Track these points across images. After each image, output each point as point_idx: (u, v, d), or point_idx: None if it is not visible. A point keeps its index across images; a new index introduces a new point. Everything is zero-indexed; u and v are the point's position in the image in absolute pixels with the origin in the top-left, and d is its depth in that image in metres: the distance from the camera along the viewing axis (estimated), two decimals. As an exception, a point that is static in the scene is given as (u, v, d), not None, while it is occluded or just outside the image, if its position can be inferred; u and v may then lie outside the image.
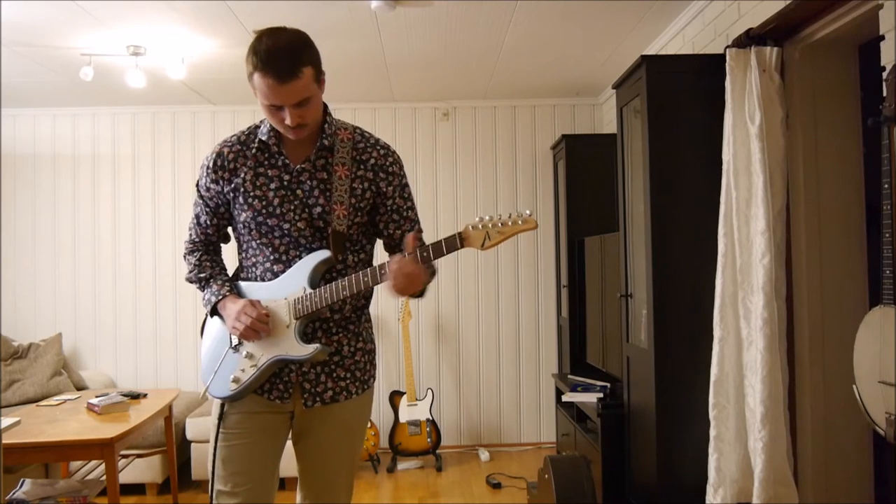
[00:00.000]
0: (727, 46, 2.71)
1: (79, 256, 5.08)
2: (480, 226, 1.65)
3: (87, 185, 5.10)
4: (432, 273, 1.82)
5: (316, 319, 1.84)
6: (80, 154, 5.11)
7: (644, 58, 2.95)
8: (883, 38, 2.11)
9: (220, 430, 1.84)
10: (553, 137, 5.14)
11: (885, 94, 1.90)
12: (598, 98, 5.18)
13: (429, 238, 1.75)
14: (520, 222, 1.64)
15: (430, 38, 3.81)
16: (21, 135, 5.09)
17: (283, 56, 1.65)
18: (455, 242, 1.65)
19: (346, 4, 3.28)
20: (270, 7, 3.26)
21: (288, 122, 1.71)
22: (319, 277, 1.81)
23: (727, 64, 2.67)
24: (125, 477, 4.02)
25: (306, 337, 1.82)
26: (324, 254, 1.81)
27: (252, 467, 1.83)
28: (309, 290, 1.78)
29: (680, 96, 2.92)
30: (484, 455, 4.88)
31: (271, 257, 1.86)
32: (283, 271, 1.84)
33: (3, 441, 2.64)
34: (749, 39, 2.63)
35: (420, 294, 1.84)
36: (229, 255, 2.04)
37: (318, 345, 1.79)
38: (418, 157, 5.16)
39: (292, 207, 1.82)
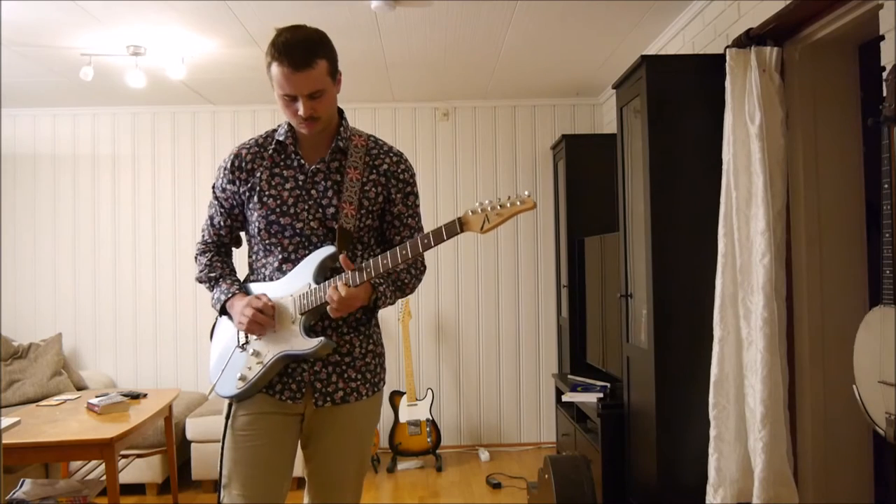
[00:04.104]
0: (727, 46, 2.71)
1: (79, 256, 5.08)
2: (479, 209, 1.67)
3: (87, 185, 5.10)
4: (377, 298, 1.83)
5: (326, 317, 1.84)
6: (80, 154, 5.11)
7: (644, 58, 2.95)
8: (883, 38, 2.11)
9: (229, 431, 1.84)
10: (553, 137, 5.14)
11: (885, 94, 1.90)
12: (598, 98, 5.18)
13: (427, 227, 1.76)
14: (518, 203, 1.65)
15: (430, 38, 3.81)
16: (21, 135, 5.09)
17: (300, 47, 1.72)
18: (455, 227, 1.67)
19: (346, 4, 3.28)
20: (270, 7, 3.26)
21: (301, 112, 1.76)
22: (326, 273, 1.81)
23: (727, 64, 2.67)
24: (125, 477, 4.02)
25: (314, 333, 1.82)
26: (329, 249, 1.82)
27: (261, 470, 1.82)
28: (314, 286, 1.79)
29: (680, 96, 2.91)
30: (484, 455, 4.88)
31: (280, 256, 1.87)
32: (292, 270, 1.86)
33: (3, 441, 2.64)
34: (749, 39, 2.63)
35: (374, 308, 1.86)
36: (239, 261, 2.04)
37: (322, 338, 1.78)
38: (418, 157, 5.16)
39: (306, 207, 1.85)
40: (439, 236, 1.68)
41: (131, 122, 5.13)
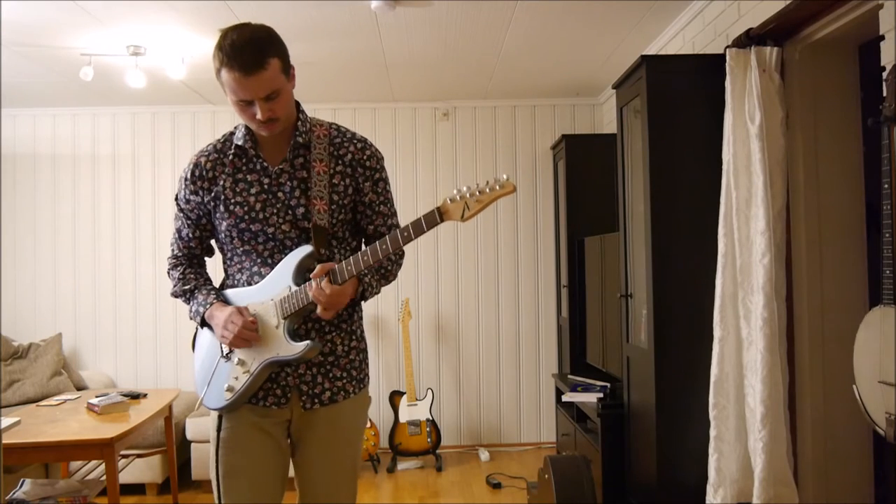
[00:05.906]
0: (727, 46, 2.71)
1: (79, 256, 5.08)
2: (458, 197, 1.60)
3: (87, 185, 5.10)
4: (364, 289, 1.79)
5: (308, 319, 1.80)
6: (80, 154, 5.11)
7: (644, 58, 2.95)
8: (883, 38, 2.11)
9: (221, 446, 1.81)
10: (553, 137, 5.14)
11: (885, 94, 1.90)
12: (598, 98, 5.18)
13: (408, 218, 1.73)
14: (497, 188, 1.58)
15: (430, 38, 3.81)
16: (21, 135, 5.09)
17: (248, 48, 1.64)
18: (434, 217, 1.60)
19: (346, 4, 3.28)
20: (270, 7, 3.26)
21: (259, 116, 1.69)
22: (305, 274, 1.75)
23: (727, 64, 2.67)
24: (125, 477, 4.02)
25: (298, 337, 1.77)
26: (306, 249, 1.77)
27: (256, 486, 1.80)
28: (294, 288, 1.74)
29: (680, 96, 2.92)
30: (484, 455, 4.88)
31: (258, 261, 1.82)
32: (270, 273, 1.80)
33: (3, 441, 2.64)
34: (749, 39, 2.63)
35: (361, 299, 1.82)
36: (214, 268, 1.99)
37: (308, 342, 1.74)
38: (418, 157, 5.16)
39: (275, 211, 1.80)
40: (419, 228, 1.61)
41: (131, 122, 5.13)
